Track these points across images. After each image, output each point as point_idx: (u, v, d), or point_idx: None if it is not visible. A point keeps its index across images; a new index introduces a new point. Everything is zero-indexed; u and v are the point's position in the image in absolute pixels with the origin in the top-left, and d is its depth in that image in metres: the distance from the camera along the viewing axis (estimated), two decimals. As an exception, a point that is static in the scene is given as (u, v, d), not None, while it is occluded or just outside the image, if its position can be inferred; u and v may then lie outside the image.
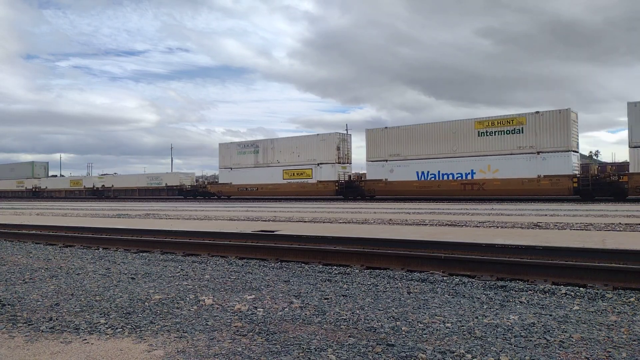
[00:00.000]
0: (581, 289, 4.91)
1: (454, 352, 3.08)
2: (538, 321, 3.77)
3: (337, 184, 36.60)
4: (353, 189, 36.45)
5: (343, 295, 4.76)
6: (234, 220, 15.57)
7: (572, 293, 4.74)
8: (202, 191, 48.39)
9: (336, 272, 6.11)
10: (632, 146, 25.22)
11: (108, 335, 3.57)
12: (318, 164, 38.00)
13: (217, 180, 47.85)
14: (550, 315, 3.97)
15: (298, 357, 3.05)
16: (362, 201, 33.33)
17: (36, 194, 64.95)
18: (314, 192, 37.45)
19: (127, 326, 3.77)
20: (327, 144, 37.74)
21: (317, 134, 38.89)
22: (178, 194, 50.21)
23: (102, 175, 64.46)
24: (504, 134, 29.17)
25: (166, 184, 52.02)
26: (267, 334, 3.54)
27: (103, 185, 58.97)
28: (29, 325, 3.86)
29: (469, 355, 3.02)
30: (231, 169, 43.76)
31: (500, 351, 3.10)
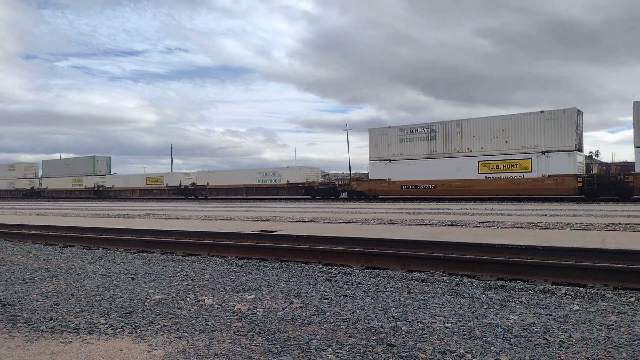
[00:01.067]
0: (581, 289, 4.91)
1: (454, 352, 3.08)
2: (538, 321, 3.77)
3: (578, 179, 26.83)
4: (607, 186, 26.91)
5: (343, 295, 4.76)
6: (234, 220, 15.57)
7: (572, 293, 4.74)
8: (341, 190, 39.40)
9: (336, 272, 6.11)
10: (638, 145, 25.20)
11: (108, 335, 3.57)
12: (542, 152, 28.20)
13: (363, 177, 39.61)
14: (550, 315, 3.97)
15: (298, 357, 3.05)
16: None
17: (99, 194, 57.44)
18: (535, 190, 28.32)
19: (127, 326, 3.77)
20: (558, 124, 27.71)
21: (541, 111, 28.48)
22: (305, 193, 41.62)
23: (189, 172, 55.50)
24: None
25: (287, 180, 42.92)
26: (267, 334, 3.54)
27: (193, 184, 50.03)
28: (29, 325, 3.86)
29: (469, 355, 3.02)
30: (389, 160, 33.88)
31: (500, 351, 3.10)
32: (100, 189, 57.37)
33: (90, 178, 58.69)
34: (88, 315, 4.13)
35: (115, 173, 61.20)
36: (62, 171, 62.48)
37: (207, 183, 49.32)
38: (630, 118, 26.35)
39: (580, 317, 3.89)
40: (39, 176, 67.05)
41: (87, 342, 3.42)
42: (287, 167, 46.56)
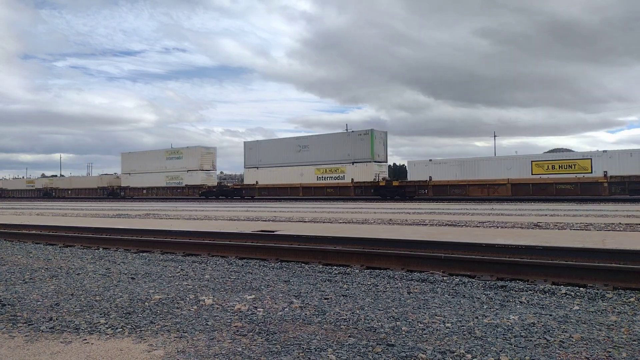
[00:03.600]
0: (581, 289, 4.91)
1: (454, 352, 3.08)
2: (538, 321, 3.77)
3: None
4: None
5: (343, 295, 4.76)
6: (234, 220, 15.57)
7: (572, 293, 4.74)
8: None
9: (336, 272, 6.11)
10: None
11: (108, 335, 3.57)
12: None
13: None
14: (550, 315, 3.97)
15: (298, 357, 3.05)
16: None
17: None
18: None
19: (127, 326, 3.77)
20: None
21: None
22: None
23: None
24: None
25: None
26: (267, 334, 3.54)
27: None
28: (29, 325, 3.86)
29: (469, 355, 3.02)
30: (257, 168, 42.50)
31: (500, 351, 3.10)
32: (246, 186, 43.54)
33: (194, 174, 46.87)
34: (88, 315, 4.13)
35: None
36: (159, 164, 50.67)
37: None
38: (631, 118, 26.37)
39: (580, 317, 3.89)
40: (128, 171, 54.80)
41: (87, 342, 3.42)
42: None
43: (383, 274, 5.88)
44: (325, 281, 5.55)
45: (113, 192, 55.24)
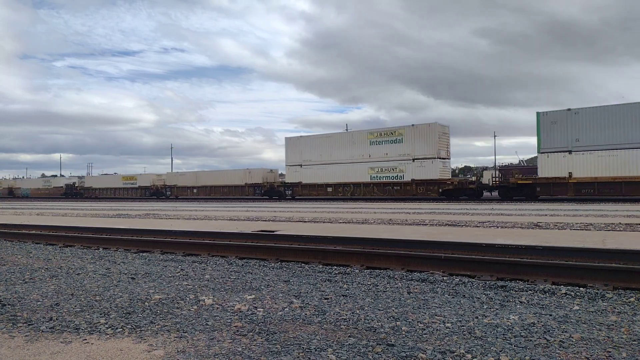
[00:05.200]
0: (581, 289, 4.91)
1: (454, 352, 3.08)
2: (538, 321, 3.76)
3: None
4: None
5: (343, 295, 4.76)
6: (234, 220, 15.57)
7: (572, 293, 4.74)
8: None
9: (336, 272, 6.11)
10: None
11: (108, 335, 3.57)
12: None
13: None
14: (550, 315, 3.97)
15: (298, 357, 3.05)
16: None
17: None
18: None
19: (127, 326, 3.77)
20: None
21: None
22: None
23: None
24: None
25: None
26: (267, 334, 3.54)
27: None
28: (29, 325, 3.86)
29: (469, 355, 3.02)
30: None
31: (500, 351, 3.10)
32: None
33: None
34: (88, 315, 4.13)
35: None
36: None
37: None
38: None
39: (580, 317, 3.89)
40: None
41: (87, 342, 3.42)
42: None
43: (383, 274, 5.88)
44: (325, 281, 5.55)
45: (272, 191, 43.48)
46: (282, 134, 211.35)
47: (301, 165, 40.39)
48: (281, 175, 47.19)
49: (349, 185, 37.58)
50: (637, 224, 11.40)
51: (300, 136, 41.56)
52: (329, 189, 38.70)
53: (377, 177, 36.31)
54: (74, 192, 63.60)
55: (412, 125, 34.52)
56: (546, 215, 15.16)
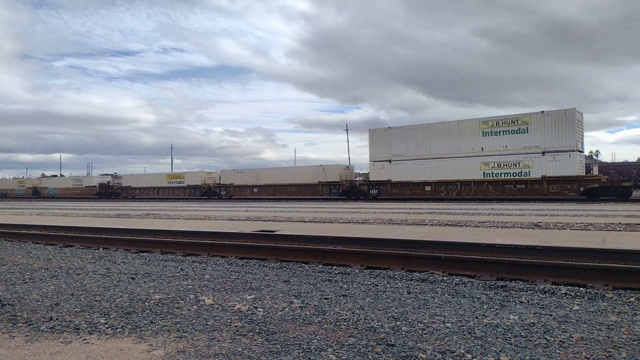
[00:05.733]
0: (581, 289, 4.91)
1: (454, 352, 3.08)
2: (538, 321, 3.77)
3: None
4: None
5: (343, 295, 4.76)
6: (234, 220, 15.57)
7: (572, 293, 4.74)
8: None
9: (336, 272, 6.11)
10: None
11: (108, 335, 3.57)
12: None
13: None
14: (550, 315, 3.97)
15: (298, 357, 3.05)
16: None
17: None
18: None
19: (127, 326, 3.77)
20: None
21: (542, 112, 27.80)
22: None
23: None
24: None
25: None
26: (267, 334, 3.54)
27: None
28: (29, 325, 3.86)
29: (469, 355, 3.02)
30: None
31: (500, 351, 3.10)
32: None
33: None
34: (88, 315, 4.13)
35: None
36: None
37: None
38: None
39: (580, 317, 3.89)
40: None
41: (87, 342, 3.42)
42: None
43: (383, 274, 5.88)
44: (325, 281, 5.55)
45: (352, 190, 38.33)
46: (281, 134, 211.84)
47: (390, 161, 34.74)
48: (361, 174, 43.65)
49: (455, 183, 31.72)
50: (637, 224, 11.40)
51: (389, 128, 35.61)
52: (427, 188, 32.91)
53: (492, 173, 30.30)
54: (109, 192, 58.07)
55: (542, 112, 28.86)
56: (546, 215, 15.16)
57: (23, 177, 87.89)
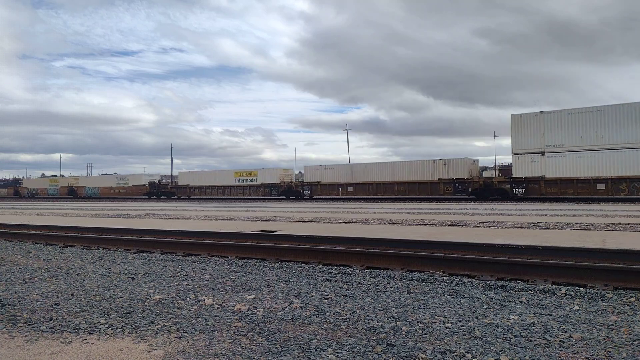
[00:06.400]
0: (581, 289, 4.91)
1: (454, 352, 3.08)
2: (538, 321, 3.76)
3: None
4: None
5: (343, 295, 4.76)
6: (234, 220, 15.57)
7: (572, 293, 4.74)
8: None
9: (336, 272, 6.11)
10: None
11: (108, 335, 3.57)
12: None
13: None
14: (550, 315, 3.97)
15: (298, 357, 3.05)
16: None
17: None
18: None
19: (127, 326, 3.77)
20: None
21: None
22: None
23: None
24: None
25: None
26: (267, 334, 3.53)
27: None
28: (29, 325, 3.86)
29: (469, 355, 3.02)
30: None
31: (500, 351, 3.10)
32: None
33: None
34: (88, 315, 4.13)
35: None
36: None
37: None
38: None
39: (580, 317, 3.89)
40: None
41: (87, 342, 3.42)
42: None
43: (383, 274, 5.88)
44: (325, 281, 5.55)
45: (487, 189, 32.06)
46: (281, 134, 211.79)
47: (543, 153, 28.90)
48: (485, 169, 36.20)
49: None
50: (637, 224, 11.40)
51: (541, 112, 29.41)
52: (600, 186, 27.06)
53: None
54: (161, 192, 51.95)
55: None
56: (546, 215, 15.16)
57: (57, 175, 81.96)
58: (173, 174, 62.76)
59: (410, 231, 10.81)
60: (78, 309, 4.32)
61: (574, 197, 27.57)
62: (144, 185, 54.31)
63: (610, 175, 26.82)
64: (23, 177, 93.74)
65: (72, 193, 62.01)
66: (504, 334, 3.45)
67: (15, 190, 73.30)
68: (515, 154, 30.06)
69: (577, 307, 4.22)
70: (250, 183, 45.76)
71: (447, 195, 34.04)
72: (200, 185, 49.14)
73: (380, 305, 4.33)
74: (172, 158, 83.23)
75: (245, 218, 16.25)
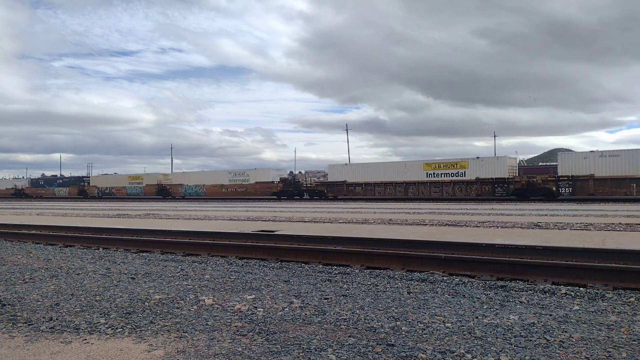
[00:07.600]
0: (581, 289, 4.91)
1: (454, 352, 3.08)
2: (538, 321, 3.76)
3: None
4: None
5: (343, 295, 4.76)
6: (234, 220, 15.56)
7: (572, 293, 4.74)
8: None
9: (336, 272, 6.11)
10: None
11: (108, 335, 3.56)
12: None
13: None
14: (550, 315, 3.96)
15: (298, 357, 3.05)
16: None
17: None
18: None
19: (127, 326, 3.77)
20: None
21: None
22: None
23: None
24: None
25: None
26: (267, 334, 3.53)
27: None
28: (29, 325, 3.86)
29: (469, 355, 3.02)
30: None
31: (500, 351, 3.10)
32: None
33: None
34: (88, 315, 4.13)
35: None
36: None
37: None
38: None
39: (580, 317, 3.89)
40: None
41: (87, 342, 3.42)
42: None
43: (383, 274, 5.88)
44: (325, 281, 5.55)
45: (531, 189, 29.39)
46: (281, 134, 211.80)
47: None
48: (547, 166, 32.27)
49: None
50: (637, 224, 11.40)
51: None
52: None
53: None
54: (296, 191, 40.54)
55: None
56: (546, 215, 15.16)
57: (143, 172, 58.57)
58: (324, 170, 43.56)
59: (410, 231, 10.81)
60: (78, 309, 4.32)
61: (626, 196, 25.62)
62: (272, 182, 41.38)
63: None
64: (89, 174, 74.98)
65: (163, 192, 47.81)
66: (504, 334, 3.45)
67: (80, 190, 56.05)
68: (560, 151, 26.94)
69: (577, 307, 4.22)
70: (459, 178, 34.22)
71: (484, 195, 31.09)
72: (361, 182, 37.08)
73: (380, 305, 4.33)
74: (172, 158, 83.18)
75: (245, 218, 16.25)
